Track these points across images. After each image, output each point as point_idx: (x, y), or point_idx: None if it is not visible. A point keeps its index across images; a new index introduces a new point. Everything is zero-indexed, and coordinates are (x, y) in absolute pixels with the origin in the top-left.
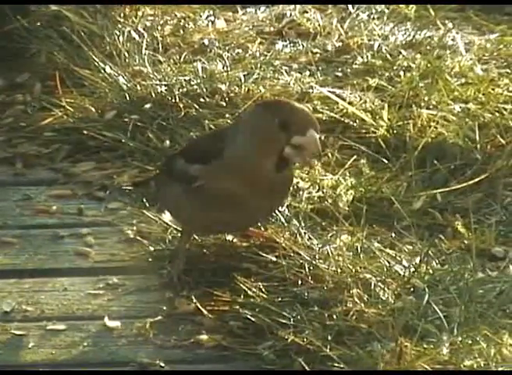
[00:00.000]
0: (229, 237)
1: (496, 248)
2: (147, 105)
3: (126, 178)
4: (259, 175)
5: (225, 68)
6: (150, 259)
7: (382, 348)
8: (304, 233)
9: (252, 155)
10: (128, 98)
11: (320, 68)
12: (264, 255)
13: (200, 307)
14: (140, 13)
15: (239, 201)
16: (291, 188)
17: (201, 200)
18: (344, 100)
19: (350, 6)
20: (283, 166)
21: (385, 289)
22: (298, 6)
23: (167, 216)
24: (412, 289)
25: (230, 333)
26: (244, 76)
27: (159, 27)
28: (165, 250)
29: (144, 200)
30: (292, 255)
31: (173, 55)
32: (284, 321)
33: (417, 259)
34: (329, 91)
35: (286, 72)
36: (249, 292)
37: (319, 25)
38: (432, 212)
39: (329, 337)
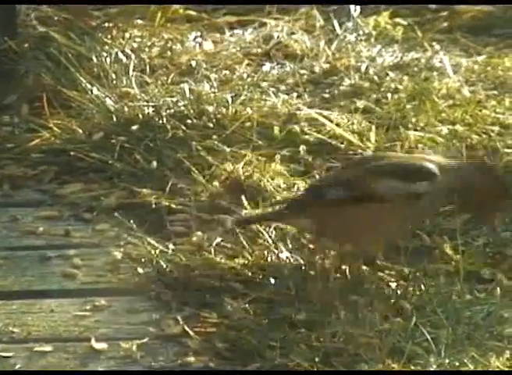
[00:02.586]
0: (218, 258)
1: (483, 269)
2: (135, 127)
3: (113, 199)
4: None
5: (212, 89)
6: (137, 281)
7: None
8: (292, 254)
9: None
10: (115, 120)
11: (307, 89)
12: (251, 275)
13: (187, 329)
14: (127, 35)
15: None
16: None
17: (418, 214)
18: (331, 121)
19: (337, 28)
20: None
21: (373, 311)
22: (285, 28)
23: (343, 247)
24: (400, 311)
25: (217, 355)
26: (232, 97)
27: (146, 49)
28: (152, 272)
29: (131, 223)
30: (279, 276)
31: (161, 77)
32: (271, 343)
33: (405, 281)
34: (317, 113)
35: (273, 93)
36: (236, 313)
37: (306, 47)
38: (419, 234)
39: (317, 359)
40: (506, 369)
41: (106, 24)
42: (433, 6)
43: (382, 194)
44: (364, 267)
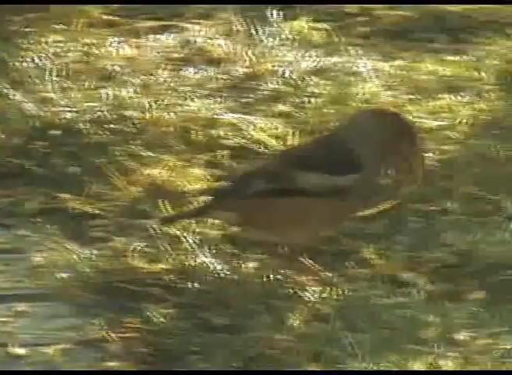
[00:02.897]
0: (138, 263)
1: (403, 274)
2: (55, 132)
3: (34, 205)
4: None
5: (132, 94)
6: (58, 286)
7: None
8: (212, 259)
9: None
10: (36, 125)
11: (227, 94)
12: (172, 280)
13: (108, 334)
14: (47, 40)
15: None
16: None
17: (346, 208)
18: (252, 126)
19: (257, 33)
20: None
21: (293, 315)
22: (205, 33)
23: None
24: (320, 315)
25: (138, 360)
26: (152, 102)
27: (67, 54)
28: (73, 277)
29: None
30: (200, 280)
31: (81, 82)
32: (192, 347)
33: (326, 285)
34: (237, 118)
35: (193, 98)
36: (157, 319)
37: (226, 51)
38: (339, 238)
39: (237, 364)
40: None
41: (25, 29)
42: (355, 10)
43: (305, 187)
44: (284, 271)
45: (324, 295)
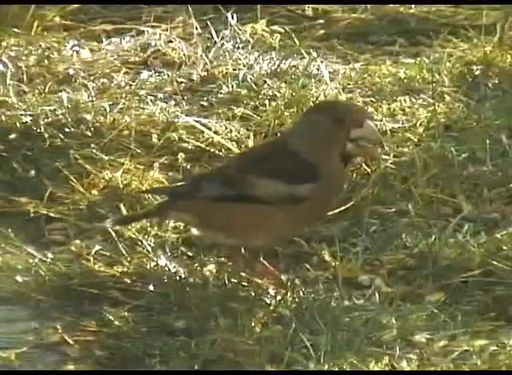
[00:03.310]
0: (97, 266)
1: (362, 276)
2: (12, 135)
3: None
4: (342, 179)
5: (90, 98)
6: (16, 290)
7: None
8: (171, 262)
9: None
10: None
11: (185, 97)
12: (130, 283)
13: (66, 337)
14: (4, 43)
15: (326, 209)
16: None
17: (303, 216)
18: (210, 129)
19: (215, 36)
20: (347, 163)
21: (252, 318)
22: (163, 36)
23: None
24: (279, 318)
25: (97, 363)
26: (109, 105)
27: (24, 57)
28: (31, 280)
29: (9, 230)
30: (158, 283)
31: (38, 85)
32: (151, 350)
33: (284, 288)
34: (195, 121)
35: (151, 101)
36: (115, 321)
37: (184, 54)
38: (297, 240)
39: (196, 367)
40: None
41: None
42: (310, 13)
43: (261, 194)
44: (243, 274)
45: (283, 298)
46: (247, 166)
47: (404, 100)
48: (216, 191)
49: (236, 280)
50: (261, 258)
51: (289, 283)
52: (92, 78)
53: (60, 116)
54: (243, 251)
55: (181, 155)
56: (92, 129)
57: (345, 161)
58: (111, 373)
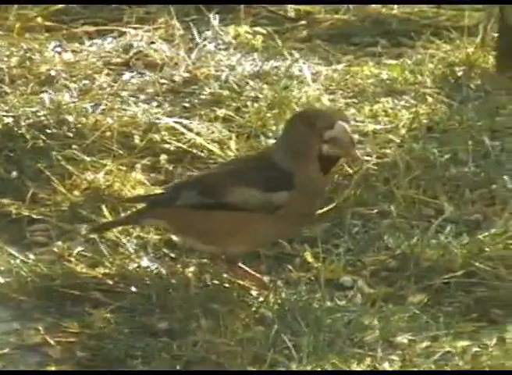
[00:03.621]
0: (79, 267)
1: (344, 277)
2: None
3: None
4: (318, 186)
5: (72, 99)
6: None
7: None
8: (153, 263)
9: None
10: None
11: (167, 99)
12: (112, 284)
13: (48, 338)
14: None
15: (306, 215)
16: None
17: (281, 224)
18: (192, 130)
19: (197, 37)
20: (328, 167)
21: (235, 319)
22: (145, 37)
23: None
24: (261, 319)
25: (78, 364)
26: (92, 107)
27: (5, 58)
28: (13, 282)
29: None
30: (140, 285)
31: (20, 87)
32: (133, 351)
33: (266, 289)
34: (177, 122)
35: (133, 103)
36: (97, 323)
37: (166, 56)
38: (280, 242)
39: (178, 367)
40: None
41: None
42: (292, 15)
43: (237, 202)
44: (225, 275)
45: (265, 299)
46: (226, 174)
47: (387, 101)
48: (194, 198)
49: (218, 282)
50: (240, 263)
51: (271, 285)
52: (74, 79)
53: (42, 118)
54: (222, 257)
55: (163, 157)
56: (74, 130)
57: (325, 165)
58: (94, 373)
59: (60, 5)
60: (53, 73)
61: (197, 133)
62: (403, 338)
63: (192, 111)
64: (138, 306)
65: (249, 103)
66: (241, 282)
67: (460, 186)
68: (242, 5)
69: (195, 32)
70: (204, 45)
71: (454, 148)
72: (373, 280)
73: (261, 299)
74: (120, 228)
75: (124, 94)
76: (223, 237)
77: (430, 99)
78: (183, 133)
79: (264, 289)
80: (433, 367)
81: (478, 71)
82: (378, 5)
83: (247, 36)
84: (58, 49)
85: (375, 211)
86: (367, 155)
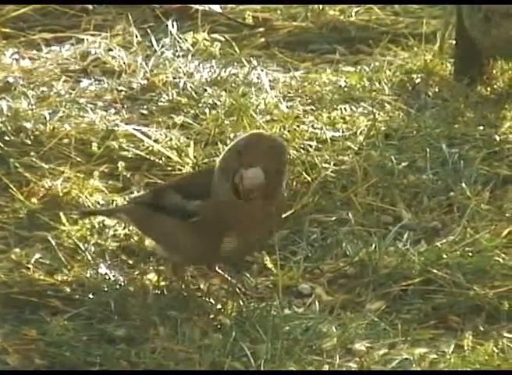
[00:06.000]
0: (37, 275)
1: (302, 284)
2: None
3: None
4: (238, 205)
5: (29, 106)
6: None
7: None
8: (111, 270)
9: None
10: None
11: (125, 106)
12: (70, 291)
13: (5, 346)
14: None
15: (232, 233)
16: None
17: (199, 233)
18: (150, 138)
19: (155, 44)
20: (239, 195)
21: (192, 326)
22: (103, 44)
23: (159, 250)
24: (219, 326)
25: (36, 372)
26: (49, 114)
27: None
28: None
29: None
30: (98, 292)
31: None
32: (91, 359)
33: (225, 296)
34: (135, 129)
35: (91, 110)
36: (55, 330)
37: (124, 63)
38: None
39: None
40: None
41: None
42: (250, 22)
43: (165, 205)
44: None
45: (223, 306)
46: (177, 180)
47: (344, 108)
48: (145, 197)
49: (176, 289)
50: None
51: (229, 291)
52: (32, 86)
53: None
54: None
55: (121, 164)
56: (32, 137)
57: (238, 192)
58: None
59: (18, 12)
60: (11, 79)
61: (155, 141)
62: (361, 345)
63: (150, 118)
64: (96, 313)
65: (207, 110)
66: (199, 289)
67: (418, 193)
68: (200, 13)
69: (153, 39)
70: (162, 52)
71: (412, 156)
72: (331, 287)
73: (219, 306)
74: (78, 234)
75: (82, 101)
76: (163, 242)
77: (388, 106)
78: (141, 141)
79: (223, 296)
80: None
81: (436, 78)
82: (337, 12)
83: (205, 43)
84: (16, 56)
85: (333, 218)
86: (325, 163)
